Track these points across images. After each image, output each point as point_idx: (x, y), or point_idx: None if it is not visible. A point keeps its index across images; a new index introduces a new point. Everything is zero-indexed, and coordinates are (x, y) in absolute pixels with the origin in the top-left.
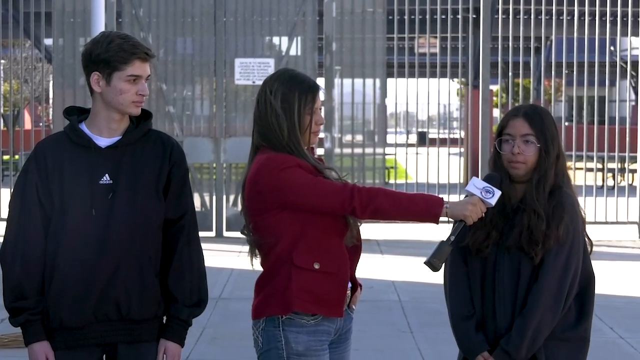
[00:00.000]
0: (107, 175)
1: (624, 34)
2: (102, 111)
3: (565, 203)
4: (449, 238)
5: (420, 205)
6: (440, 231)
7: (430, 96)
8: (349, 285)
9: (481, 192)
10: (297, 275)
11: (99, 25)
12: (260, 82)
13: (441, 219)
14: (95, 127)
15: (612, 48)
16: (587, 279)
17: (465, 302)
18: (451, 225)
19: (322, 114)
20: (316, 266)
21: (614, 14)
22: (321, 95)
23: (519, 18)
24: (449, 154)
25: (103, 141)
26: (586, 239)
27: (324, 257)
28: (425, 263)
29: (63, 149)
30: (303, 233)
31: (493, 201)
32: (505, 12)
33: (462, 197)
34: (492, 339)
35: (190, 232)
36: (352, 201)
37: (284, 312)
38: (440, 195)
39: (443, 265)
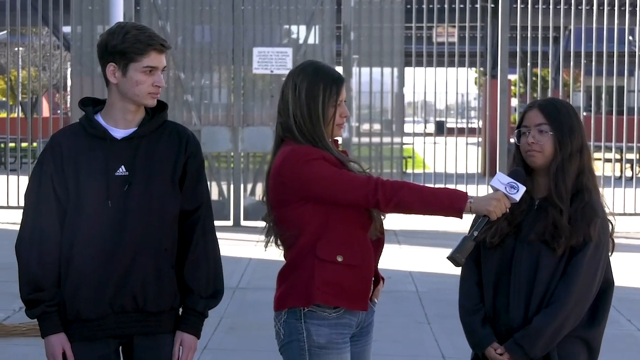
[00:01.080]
0: (123, 166)
1: None
2: (118, 102)
3: (596, 206)
4: (472, 233)
5: (444, 200)
6: (457, 223)
7: (448, 85)
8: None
9: (505, 188)
10: (320, 267)
11: (117, 13)
12: (279, 72)
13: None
14: (111, 118)
15: (630, 38)
16: (606, 284)
17: (472, 295)
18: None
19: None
20: (339, 259)
21: (632, 4)
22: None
23: (538, 7)
24: (467, 143)
25: (119, 132)
26: (610, 238)
27: (347, 249)
28: (448, 258)
29: (79, 141)
30: (327, 225)
31: (517, 197)
32: (524, 1)
33: (480, 187)
34: (504, 333)
35: (206, 224)
36: (376, 194)
37: (306, 304)
38: (458, 186)
39: None
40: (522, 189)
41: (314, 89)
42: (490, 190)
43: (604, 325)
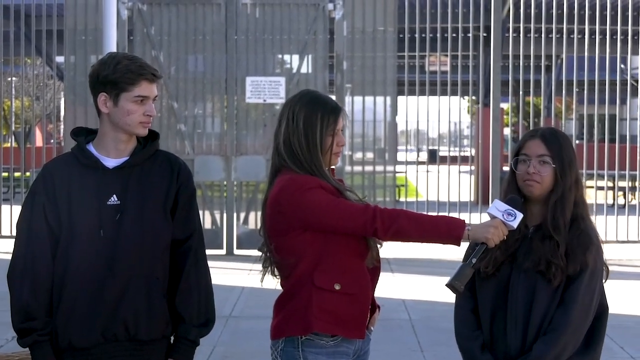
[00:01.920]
0: (114, 196)
1: (635, 52)
2: (110, 132)
3: (591, 234)
4: (470, 260)
5: (442, 228)
6: (450, 251)
7: (440, 114)
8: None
9: (503, 215)
10: (317, 295)
11: (111, 43)
12: (272, 101)
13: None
14: (103, 148)
15: (622, 66)
16: (601, 309)
17: (469, 323)
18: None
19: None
20: (337, 287)
21: (624, 33)
22: (343, 117)
23: (530, 37)
24: (460, 172)
25: (110, 162)
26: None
27: (345, 278)
28: (447, 285)
29: (71, 170)
30: (324, 254)
31: (515, 224)
32: (516, 30)
33: (472, 215)
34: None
35: (198, 252)
36: (374, 222)
37: (303, 332)
38: (451, 214)
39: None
40: (520, 216)
41: (312, 118)
42: (487, 217)
43: (600, 351)
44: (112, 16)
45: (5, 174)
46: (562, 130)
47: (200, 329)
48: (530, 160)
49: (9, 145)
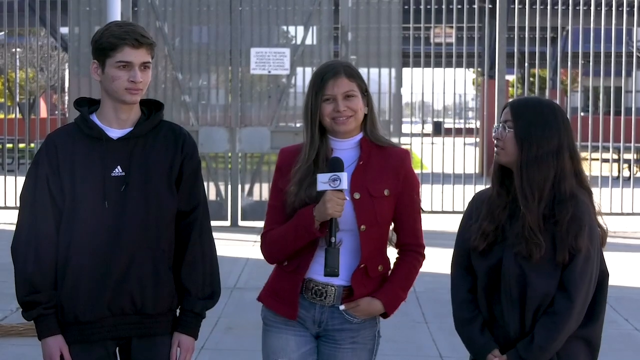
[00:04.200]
0: (119, 167)
1: None
2: (107, 101)
3: (582, 214)
4: (329, 241)
5: (299, 234)
6: (453, 222)
7: (445, 86)
8: (335, 282)
9: (329, 184)
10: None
11: (115, 13)
12: (276, 72)
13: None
14: (105, 118)
15: (628, 38)
16: (601, 276)
17: (465, 305)
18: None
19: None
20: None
21: (630, 4)
22: (337, 84)
23: (535, 8)
24: (465, 143)
25: (114, 132)
26: (600, 228)
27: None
28: (326, 275)
29: (74, 141)
30: None
31: (344, 184)
32: (522, 2)
33: (477, 187)
34: (503, 340)
35: (203, 224)
36: (261, 248)
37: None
38: (457, 186)
39: None
40: (343, 174)
41: (309, 86)
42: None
43: (602, 319)
44: None
45: (9, 145)
46: (548, 100)
47: (206, 302)
48: (499, 127)
49: (13, 116)
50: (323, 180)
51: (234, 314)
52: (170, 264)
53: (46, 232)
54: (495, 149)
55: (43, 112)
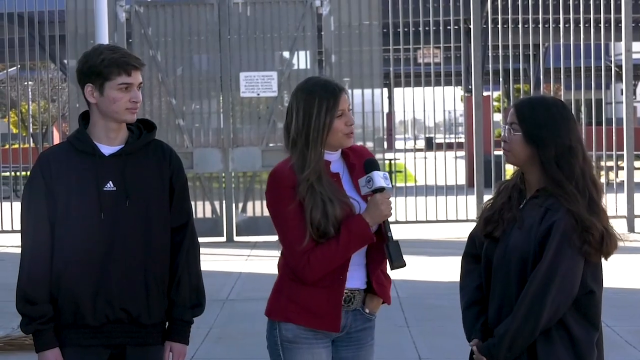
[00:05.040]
0: (110, 182)
1: (617, 39)
2: (100, 121)
3: (555, 230)
4: (388, 237)
5: (356, 241)
6: (434, 231)
7: (435, 104)
8: (359, 286)
9: (367, 187)
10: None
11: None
12: (265, 94)
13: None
14: (95, 136)
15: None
16: (585, 291)
17: (467, 292)
18: None
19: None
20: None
21: (607, 21)
22: (344, 98)
23: (518, 27)
24: (456, 157)
25: (105, 149)
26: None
27: None
28: (393, 269)
29: (67, 157)
30: None
31: (378, 183)
32: (505, 21)
33: (466, 198)
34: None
35: (192, 241)
36: (304, 272)
37: None
38: (450, 197)
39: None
40: (374, 173)
41: (311, 103)
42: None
43: (592, 333)
44: (104, 21)
45: (24, 173)
46: (552, 98)
47: (193, 310)
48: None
49: (27, 146)
50: (362, 184)
51: (225, 325)
52: (164, 277)
53: (40, 245)
54: (502, 151)
55: (56, 140)
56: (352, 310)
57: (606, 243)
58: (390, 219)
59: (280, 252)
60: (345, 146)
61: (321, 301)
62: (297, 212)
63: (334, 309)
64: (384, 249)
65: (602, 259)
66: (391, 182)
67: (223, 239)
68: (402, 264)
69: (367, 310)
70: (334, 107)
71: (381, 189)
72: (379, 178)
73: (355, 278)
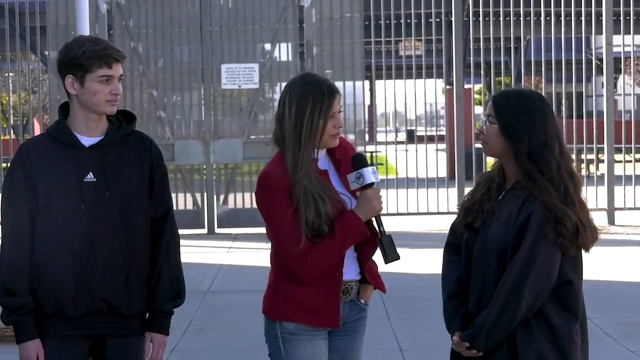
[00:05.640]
0: (91, 173)
1: (598, 32)
2: (80, 112)
3: (533, 221)
4: (381, 231)
5: (349, 237)
6: (412, 224)
7: (417, 96)
8: (354, 277)
9: (357, 183)
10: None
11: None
12: (246, 86)
13: None
14: (75, 128)
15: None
16: (563, 280)
17: (449, 283)
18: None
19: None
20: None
21: (589, 14)
22: (338, 100)
23: (500, 20)
24: (437, 149)
25: (85, 140)
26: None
27: None
28: (388, 262)
29: (47, 148)
30: None
31: (368, 179)
32: (487, 14)
33: (448, 190)
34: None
35: (172, 232)
36: (301, 272)
37: None
38: (431, 190)
39: None
40: (364, 170)
41: (303, 102)
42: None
43: (572, 322)
44: (85, 12)
45: (5, 165)
46: (531, 92)
47: (174, 301)
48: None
49: (8, 137)
50: (351, 180)
51: (206, 317)
52: (144, 267)
53: (21, 236)
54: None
55: (37, 131)
56: (348, 302)
57: (581, 235)
58: None
59: (270, 247)
60: (330, 147)
61: (319, 299)
62: (291, 214)
63: (332, 306)
64: (373, 241)
65: (583, 251)
66: None
67: (204, 230)
68: (397, 257)
69: (362, 301)
70: (328, 109)
71: (371, 185)
72: (369, 174)
73: (350, 270)
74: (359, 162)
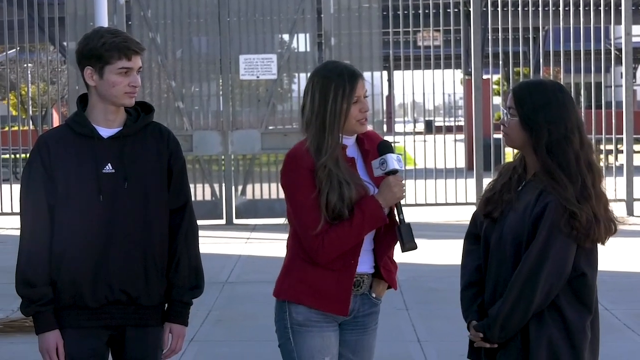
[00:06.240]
0: (109, 164)
1: (617, 22)
2: (98, 104)
3: (548, 213)
4: (400, 219)
5: (367, 225)
6: (431, 215)
7: (435, 86)
8: (367, 270)
9: (380, 169)
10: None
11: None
12: (264, 77)
13: None
14: (94, 119)
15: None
16: (576, 274)
17: (466, 272)
18: None
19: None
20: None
21: (607, 4)
22: (361, 84)
23: (518, 10)
24: (455, 140)
25: (104, 132)
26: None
27: None
28: (406, 250)
29: (66, 140)
30: None
31: (392, 165)
32: (505, 4)
33: (466, 181)
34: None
35: (190, 222)
36: (317, 254)
37: None
38: (449, 180)
39: None
40: (388, 156)
41: (326, 88)
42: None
43: (586, 314)
44: (104, 3)
45: (24, 155)
46: (552, 82)
47: (193, 292)
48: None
49: (27, 128)
50: (375, 166)
51: (224, 307)
52: (162, 258)
53: (39, 227)
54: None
55: (56, 122)
56: (360, 295)
57: (594, 230)
58: None
59: (288, 233)
60: (358, 132)
61: (331, 284)
62: (314, 195)
63: (344, 293)
64: (392, 234)
65: (599, 244)
66: None
67: (222, 221)
68: (414, 246)
69: (374, 295)
70: (351, 93)
71: (394, 172)
72: (393, 160)
73: (364, 262)
74: (385, 147)
